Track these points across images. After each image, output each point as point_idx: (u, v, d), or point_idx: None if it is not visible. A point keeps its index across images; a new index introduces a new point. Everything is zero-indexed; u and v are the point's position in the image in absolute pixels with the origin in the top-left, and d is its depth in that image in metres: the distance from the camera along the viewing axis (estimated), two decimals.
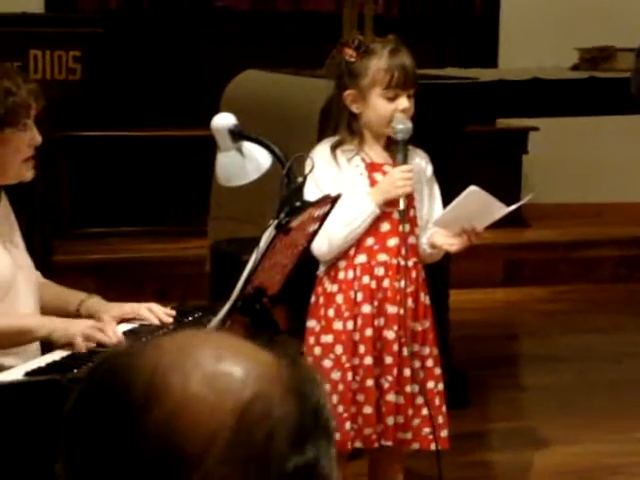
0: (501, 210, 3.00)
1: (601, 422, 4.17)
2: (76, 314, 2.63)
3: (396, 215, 3.01)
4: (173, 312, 2.62)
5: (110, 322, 2.50)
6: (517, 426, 4.22)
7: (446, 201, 3.11)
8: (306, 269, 2.94)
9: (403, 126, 2.96)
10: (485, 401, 4.43)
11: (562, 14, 6.60)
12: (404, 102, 2.97)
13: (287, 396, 0.99)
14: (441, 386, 3.09)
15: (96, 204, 5.93)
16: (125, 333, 2.50)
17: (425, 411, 3.03)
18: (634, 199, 6.23)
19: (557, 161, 6.75)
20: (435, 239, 3.05)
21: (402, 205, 2.97)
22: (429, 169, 3.13)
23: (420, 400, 3.04)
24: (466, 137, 4.64)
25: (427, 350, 3.07)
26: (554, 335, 5.29)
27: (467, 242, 3.02)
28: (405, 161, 2.99)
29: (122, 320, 2.60)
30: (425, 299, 3.08)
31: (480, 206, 2.97)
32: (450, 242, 3.04)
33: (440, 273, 3.79)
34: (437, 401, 3.08)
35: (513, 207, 3.01)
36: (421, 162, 3.11)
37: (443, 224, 3.03)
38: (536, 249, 6.12)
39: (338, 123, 3.08)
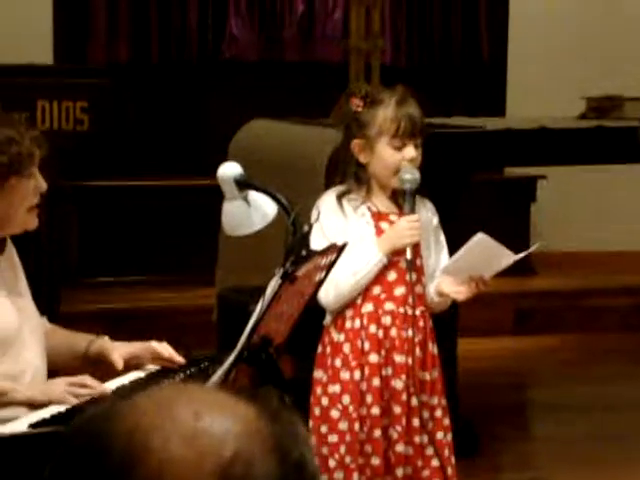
0: (509, 258, 2.98)
1: (611, 474, 4.12)
2: (85, 355, 2.62)
3: (403, 264, 3.00)
4: (182, 360, 2.62)
5: (87, 378, 2.48)
6: (527, 477, 4.18)
7: (453, 249, 3.10)
8: (313, 319, 2.93)
9: (411, 176, 2.96)
10: (494, 451, 4.39)
11: (569, 63, 6.63)
12: (411, 151, 2.97)
13: (268, 453, 0.97)
14: (450, 437, 3.07)
15: (104, 253, 5.94)
16: (131, 384, 2.49)
17: (435, 462, 3.00)
18: None
19: (565, 209, 6.75)
20: (443, 287, 3.04)
21: (409, 254, 2.96)
22: (435, 219, 3.13)
23: (430, 451, 3.01)
24: (474, 185, 4.64)
25: (436, 400, 3.05)
26: (564, 384, 5.26)
27: (475, 290, 3.01)
28: (413, 211, 2.98)
29: (130, 364, 2.59)
30: (433, 348, 3.07)
31: (488, 253, 2.96)
32: (458, 290, 3.02)
33: (449, 321, 3.77)
34: (446, 452, 3.05)
35: (521, 255, 3.00)
36: (427, 212, 3.11)
37: (451, 272, 3.02)
38: (545, 297, 6.10)
39: (345, 172, 3.08)
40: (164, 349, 2.60)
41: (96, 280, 5.88)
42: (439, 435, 3.04)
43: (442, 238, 3.13)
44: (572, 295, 6.13)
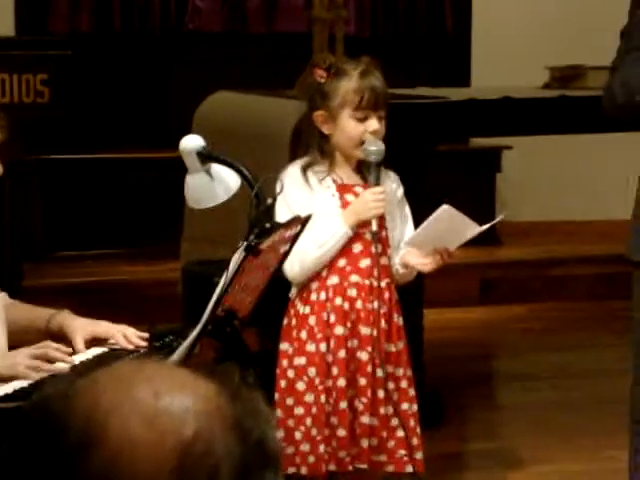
0: (474, 229, 2.98)
1: (578, 440, 4.16)
2: (46, 330, 2.59)
3: (368, 236, 2.99)
4: (146, 335, 2.59)
5: (51, 344, 2.45)
6: (493, 446, 4.21)
7: (419, 220, 3.10)
8: (278, 291, 2.92)
9: (376, 148, 2.95)
10: (460, 421, 4.42)
11: (533, 33, 6.63)
12: (374, 123, 2.96)
13: (228, 431, 0.97)
14: (415, 407, 3.07)
15: (68, 227, 5.90)
16: (94, 359, 2.47)
17: (400, 433, 3.01)
18: (608, 217, 6.25)
19: (531, 179, 6.77)
20: (408, 259, 3.04)
21: (374, 227, 2.96)
22: (400, 190, 3.12)
23: (395, 422, 3.02)
24: (439, 156, 4.64)
25: (401, 371, 3.05)
26: (530, 354, 5.29)
27: (440, 262, 3.01)
28: (378, 183, 2.97)
29: (93, 340, 2.56)
30: (398, 320, 3.07)
31: (452, 225, 2.96)
32: (423, 262, 3.02)
33: (414, 293, 3.78)
34: (412, 422, 3.06)
35: (486, 226, 3.00)
36: (392, 184, 3.10)
37: (416, 244, 3.02)
38: (511, 267, 6.12)
39: (309, 144, 3.07)
40: (127, 342, 2.56)
41: (60, 254, 5.84)
42: (404, 406, 3.05)
43: (407, 210, 3.12)
44: (538, 265, 6.15)
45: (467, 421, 4.47)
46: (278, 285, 2.84)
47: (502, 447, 4.18)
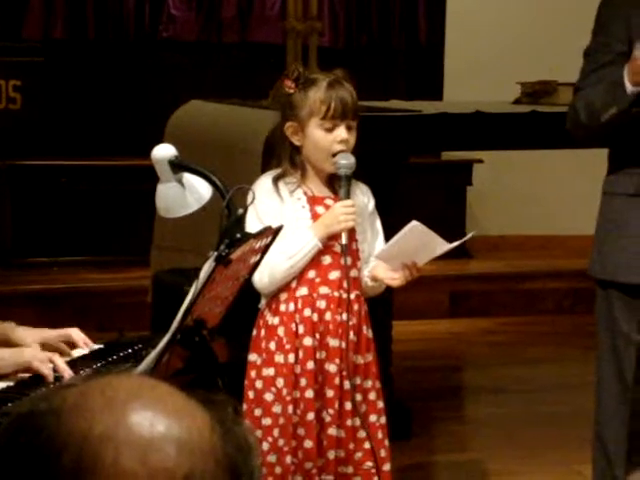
0: (443, 246, 2.99)
1: (545, 454, 4.18)
2: None
3: (338, 248, 3.00)
4: (90, 343, 2.57)
5: (54, 354, 2.44)
6: (461, 458, 4.22)
7: (390, 233, 3.11)
8: (247, 302, 2.92)
9: (346, 161, 2.96)
10: (428, 433, 4.43)
11: (505, 49, 6.68)
12: (342, 133, 2.97)
13: (221, 472, 0.95)
14: (383, 419, 3.08)
15: (38, 234, 5.88)
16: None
17: (367, 445, 3.01)
18: (577, 232, 6.29)
19: (501, 193, 6.80)
20: (377, 272, 3.05)
21: (344, 239, 2.96)
22: (371, 203, 3.13)
23: (362, 434, 3.02)
24: (411, 169, 4.66)
25: (369, 383, 3.06)
26: (498, 366, 5.31)
27: (409, 277, 3.02)
28: (348, 196, 2.98)
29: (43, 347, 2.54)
30: (368, 332, 3.07)
31: (421, 241, 2.97)
32: (392, 276, 3.03)
33: (383, 304, 3.79)
34: (379, 434, 3.06)
35: (455, 244, 3.01)
36: (363, 196, 3.11)
37: (384, 258, 3.03)
38: (480, 281, 6.15)
39: (280, 155, 3.07)
40: (78, 337, 2.55)
41: (30, 260, 5.82)
42: (372, 418, 3.05)
43: (378, 223, 3.13)
44: (507, 278, 6.19)
45: (435, 433, 4.48)
46: (248, 296, 2.85)
47: (470, 459, 4.20)
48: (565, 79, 4.44)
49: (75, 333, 2.56)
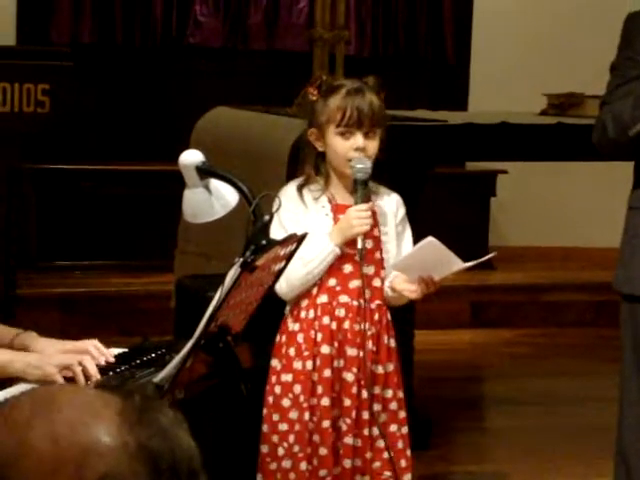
0: (458, 264, 2.98)
1: (565, 467, 4.16)
2: (9, 347, 2.56)
3: (357, 258, 3.00)
4: (114, 352, 2.57)
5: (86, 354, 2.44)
6: (480, 470, 4.21)
7: (413, 242, 3.11)
8: (273, 308, 2.93)
9: (362, 165, 2.97)
10: (448, 443, 4.42)
11: (532, 60, 6.67)
12: (359, 140, 2.97)
13: (138, 466, 0.94)
14: (405, 429, 3.07)
15: (63, 237, 5.91)
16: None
17: (386, 454, 3.01)
18: (600, 244, 6.27)
19: (525, 204, 6.79)
20: (395, 283, 3.04)
21: (360, 244, 2.95)
22: (401, 211, 3.11)
23: (381, 443, 3.02)
24: (435, 179, 4.66)
25: (390, 393, 3.05)
26: (519, 378, 5.30)
27: (425, 290, 3.00)
28: (363, 200, 2.98)
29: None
30: (389, 342, 3.06)
31: (436, 257, 2.95)
32: (410, 288, 3.01)
33: (405, 314, 3.79)
34: (400, 444, 3.05)
35: (470, 264, 2.98)
36: (392, 204, 3.09)
37: (400, 269, 3.02)
38: (503, 291, 6.14)
39: (306, 162, 3.09)
40: (95, 350, 2.54)
41: (54, 264, 5.85)
42: (392, 427, 3.04)
43: (407, 233, 3.11)
44: (529, 290, 6.17)
45: (454, 444, 4.47)
46: (273, 302, 2.86)
47: (489, 471, 4.19)
48: (592, 92, 4.44)
49: (93, 346, 2.54)
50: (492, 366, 5.58)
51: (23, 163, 5.31)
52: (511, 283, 6.20)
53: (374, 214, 3.05)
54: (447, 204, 6.22)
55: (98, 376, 2.39)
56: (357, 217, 2.95)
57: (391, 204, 3.09)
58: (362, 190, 2.97)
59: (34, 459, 0.93)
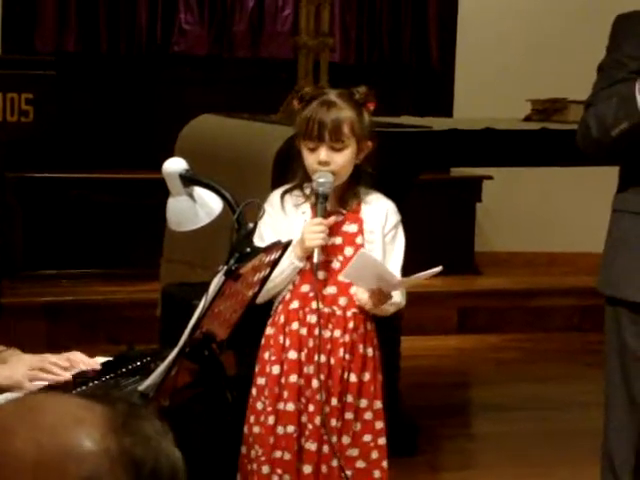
0: (394, 278, 2.95)
1: (552, 472, 4.17)
2: None
3: (335, 265, 3.00)
4: (100, 361, 2.56)
5: (50, 360, 2.44)
6: (467, 475, 4.22)
7: (406, 249, 3.10)
8: (257, 315, 2.93)
9: (323, 180, 2.97)
10: (435, 450, 4.42)
11: (516, 66, 6.69)
12: (322, 154, 2.98)
13: (118, 468, 0.95)
14: (382, 440, 3.03)
15: (49, 245, 5.89)
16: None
17: (360, 464, 2.99)
18: (586, 249, 6.29)
19: (510, 210, 6.81)
20: (356, 292, 3.02)
21: (316, 258, 2.95)
22: (391, 220, 3.08)
23: (354, 452, 3.00)
24: (421, 185, 4.67)
25: (365, 403, 3.01)
26: (506, 384, 5.31)
27: (377, 303, 2.98)
28: (323, 214, 2.97)
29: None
30: (365, 351, 3.02)
31: (373, 270, 2.94)
32: (362, 299, 2.99)
33: (392, 320, 3.79)
34: (375, 455, 3.02)
35: (409, 278, 2.98)
36: (380, 213, 3.08)
37: (351, 280, 3.01)
38: (489, 297, 6.15)
39: (293, 169, 3.10)
40: (81, 362, 2.53)
41: (40, 273, 5.83)
42: (366, 438, 3.01)
43: (398, 242, 3.08)
44: (515, 295, 6.18)
45: (441, 450, 4.48)
46: (257, 309, 2.85)
47: (476, 476, 4.19)
48: (575, 97, 4.45)
49: (75, 357, 2.54)
50: (479, 372, 5.59)
51: (7, 172, 5.30)
52: (497, 288, 6.22)
53: (360, 222, 3.05)
54: (433, 210, 6.22)
55: (54, 378, 2.39)
56: (310, 231, 2.95)
57: (379, 213, 3.07)
58: (322, 204, 2.97)
59: (16, 464, 0.93)
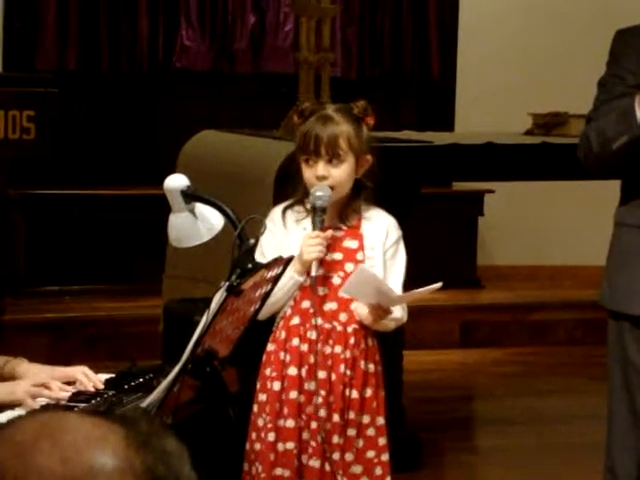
0: (393, 293, 2.96)
1: None
2: None
3: (336, 280, 3.00)
4: (102, 378, 2.57)
5: (50, 379, 2.45)
6: None
7: (407, 264, 3.09)
8: (259, 331, 2.93)
9: (320, 193, 2.97)
10: (439, 463, 4.42)
11: (517, 80, 6.70)
12: (319, 169, 2.99)
13: None
14: (385, 457, 3.02)
15: (51, 262, 5.90)
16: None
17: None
18: (587, 262, 6.29)
19: (512, 223, 6.81)
20: (356, 307, 3.02)
21: (314, 271, 2.95)
22: (392, 236, 3.07)
23: (357, 469, 3.00)
24: (423, 199, 4.67)
25: (367, 419, 3.00)
26: (509, 397, 5.30)
27: (377, 318, 2.97)
28: (320, 227, 2.98)
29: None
30: (367, 367, 3.01)
31: (373, 286, 2.94)
32: (362, 314, 2.99)
33: (395, 335, 3.79)
34: (378, 471, 3.01)
35: (408, 293, 2.97)
36: (381, 229, 3.07)
37: (350, 295, 3.00)
38: (491, 311, 6.15)
39: (295, 184, 3.10)
40: (88, 380, 2.53)
41: (42, 289, 5.84)
42: (369, 454, 3.00)
43: (399, 258, 3.07)
44: (517, 309, 6.18)
45: (445, 464, 4.47)
46: (259, 326, 2.85)
47: None
48: (576, 111, 4.46)
49: (82, 372, 2.54)
50: (482, 386, 5.58)
51: (10, 189, 5.31)
52: (500, 302, 6.21)
53: (360, 238, 3.05)
54: (435, 224, 6.23)
55: (62, 396, 2.39)
56: (307, 244, 2.95)
57: (380, 229, 3.07)
58: (319, 218, 2.97)
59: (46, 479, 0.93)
